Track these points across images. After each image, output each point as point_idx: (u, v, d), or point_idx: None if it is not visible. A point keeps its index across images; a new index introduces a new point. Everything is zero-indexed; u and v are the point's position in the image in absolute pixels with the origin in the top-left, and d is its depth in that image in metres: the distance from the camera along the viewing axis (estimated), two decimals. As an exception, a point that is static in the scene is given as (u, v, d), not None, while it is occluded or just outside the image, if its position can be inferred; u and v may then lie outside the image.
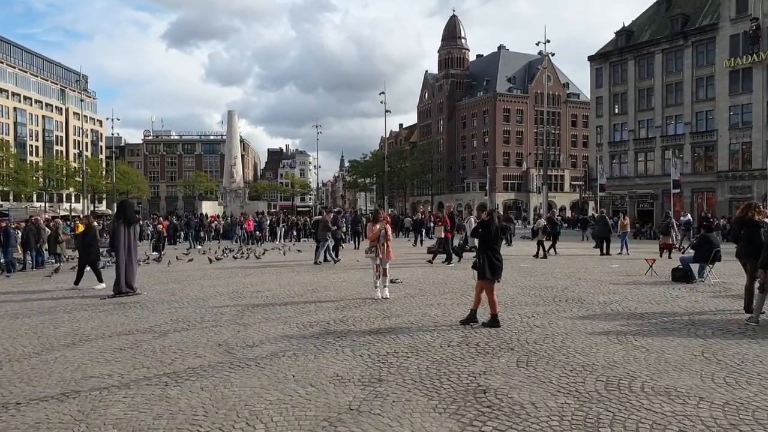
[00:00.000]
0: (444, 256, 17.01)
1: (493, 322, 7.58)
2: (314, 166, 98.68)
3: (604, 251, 20.44)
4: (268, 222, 34.87)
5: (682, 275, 12.35)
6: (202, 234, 32.11)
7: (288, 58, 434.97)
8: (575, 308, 9.09)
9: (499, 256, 7.70)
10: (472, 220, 16.97)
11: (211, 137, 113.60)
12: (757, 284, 8.12)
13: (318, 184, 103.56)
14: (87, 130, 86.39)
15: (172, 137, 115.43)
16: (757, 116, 45.24)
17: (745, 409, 4.50)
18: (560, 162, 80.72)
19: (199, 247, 27.78)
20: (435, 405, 4.62)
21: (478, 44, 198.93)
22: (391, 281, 10.62)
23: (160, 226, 25.85)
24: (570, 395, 4.86)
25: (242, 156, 70.66)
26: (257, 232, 32.03)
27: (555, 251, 20.56)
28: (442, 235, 17.24)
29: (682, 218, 29.27)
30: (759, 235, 8.42)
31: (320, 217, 20.96)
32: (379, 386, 5.10)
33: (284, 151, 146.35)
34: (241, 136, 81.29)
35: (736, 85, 46.53)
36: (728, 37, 46.85)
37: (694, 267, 12.36)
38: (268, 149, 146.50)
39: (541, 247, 19.36)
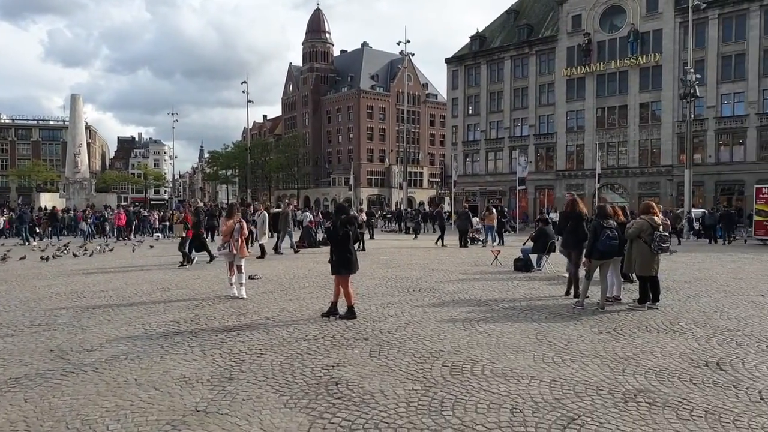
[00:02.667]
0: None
1: (350, 314, 7.70)
2: (170, 157, 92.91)
3: (463, 243, 21.88)
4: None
5: (522, 265, 13.47)
6: (38, 229, 28.89)
7: (142, 40, 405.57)
8: (427, 297, 9.53)
9: (351, 249, 7.83)
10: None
11: (51, 122, 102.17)
12: (582, 271, 9.09)
13: (174, 175, 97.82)
14: None
15: (3, 121, 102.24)
16: (588, 121, 50.66)
17: (568, 384, 5.01)
18: (419, 159, 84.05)
19: (35, 243, 24.97)
20: (286, 400, 4.58)
21: (342, 40, 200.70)
22: (250, 277, 10.34)
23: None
24: (417, 381, 5.07)
25: (88, 144, 64.59)
26: (105, 229, 29.61)
27: (443, 243, 22.01)
28: (184, 234, 14.68)
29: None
30: (582, 227, 9.43)
31: (280, 209, 21.43)
32: (229, 385, 4.94)
33: (136, 139, 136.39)
34: (86, 123, 74.26)
35: (572, 92, 51.71)
36: (565, 48, 51.88)
37: (533, 257, 13.56)
38: (119, 137, 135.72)
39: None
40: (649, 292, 8.65)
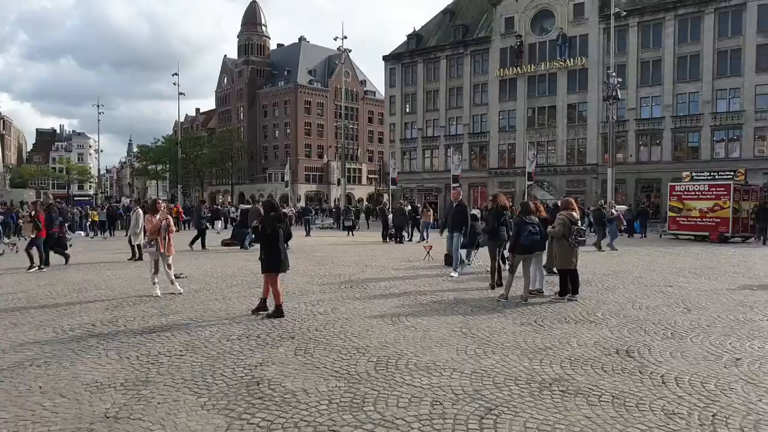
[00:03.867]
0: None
1: (277, 312, 7.60)
2: (95, 151, 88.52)
3: (398, 239, 22.18)
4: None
5: (452, 260, 13.71)
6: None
7: (64, 28, 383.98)
8: (358, 294, 9.55)
9: (280, 247, 7.72)
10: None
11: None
12: (506, 265, 9.38)
13: (100, 170, 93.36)
14: None
15: None
16: (520, 121, 52.22)
17: (488, 376, 5.14)
18: (358, 156, 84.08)
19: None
20: (204, 402, 4.46)
21: (279, 34, 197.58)
22: (176, 276, 10.01)
23: None
24: (341, 378, 5.07)
25: (1, 135, 60.60)
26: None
27: (386, 239, 22.66)
28: (33, 234, 13.31)
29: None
30: (506, 222, 9.76)
31: (249, 206, 21.72)
32: (144, 389, 4.76)
33: (58, 132, 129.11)
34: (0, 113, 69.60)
35: (505, 93, 53.13)
36: (499, 49, 53.21)
37: (462, 252, 13.82)
38: (38, 129, 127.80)
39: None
40: (569, 284, 9.01)
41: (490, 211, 10.24)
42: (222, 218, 33.08)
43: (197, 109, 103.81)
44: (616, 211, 20.94)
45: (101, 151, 75.44)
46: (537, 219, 9.10)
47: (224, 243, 19.72)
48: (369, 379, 5.04)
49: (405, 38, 61.58)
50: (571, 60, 48.83)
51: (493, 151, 54.14)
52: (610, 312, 8.05)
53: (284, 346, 6.14)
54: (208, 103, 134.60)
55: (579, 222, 8.95)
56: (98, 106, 62.52)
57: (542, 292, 9.48)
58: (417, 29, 61.06)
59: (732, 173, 30.85)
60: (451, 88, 56.92)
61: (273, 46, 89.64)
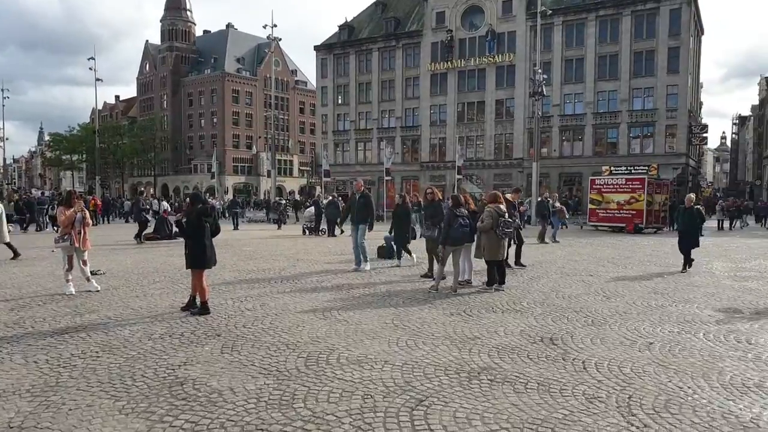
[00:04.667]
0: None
1: (203, 309, 7.33)
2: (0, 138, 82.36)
3: (333, 232, 21.98)
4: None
5: (386, 252, 13.77)
6: None
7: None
8: (288, 288, 9.37)
9: (206, 242, 7.45)
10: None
11: None
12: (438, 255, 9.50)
13: (5, 159, 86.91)
14: None
15: None
16: (450, 115, 53.13)
17: (419, 367, 5.17)
18: (289, 147, 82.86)
19: None
20: (122, 406, 4.21)
21: (205, 20, 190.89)
22: (92, 272, 9.46)
23: None
24: (270, 375, 4.94)
25: None
26: None
27: (341, 230, 21.95)
28: None
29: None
30: (442, 213, 9.88)
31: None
32: (53, 395, 4.44)
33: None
34: None
35: (436, 87, 53.86)
36: (430, 43, 53.83)
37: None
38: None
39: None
40: (496, 275, 9.24)
41: (431, 204, 10.43)
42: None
43: (117, 97, 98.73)
44: (559, 204, 21.68)
45: (6, 139, 70.18)
46: (466, 212, 9.25)
47: (146, 237, 18.91)
48: (299, 376, 4.94)
49: (337, 29, 61.13)
50: (500, 56, 50.11)
51: (424, 145, 54.82)
52: (534, 301, 8.31)
53: (210, 344, 5.92)
54: (129, 91, 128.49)
55: (506, 214, 9.18)
56: (2, 90, 58.03)
57: (471, 283, 9.67)
58: (349, 20, 60.74)
59: (646, 168, 32.72)
60: (383, 81, 57.07)
61: (199, 32, 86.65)
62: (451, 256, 9.14)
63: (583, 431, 3.82)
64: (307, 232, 22.74)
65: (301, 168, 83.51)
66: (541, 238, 18.65)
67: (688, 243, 11.71)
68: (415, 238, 13.98)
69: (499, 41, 50.36)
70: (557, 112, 48.08)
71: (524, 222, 19.12)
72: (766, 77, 74.87)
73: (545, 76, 35.99)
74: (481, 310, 7.66)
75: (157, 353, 5.57)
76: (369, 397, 4.43)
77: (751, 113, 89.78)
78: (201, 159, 75.86)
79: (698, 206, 12.04)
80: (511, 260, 11.93)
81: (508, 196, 13.28)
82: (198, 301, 7.44)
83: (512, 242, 12.21)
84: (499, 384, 4.72)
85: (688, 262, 11.80)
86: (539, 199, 24.32)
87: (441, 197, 10.82)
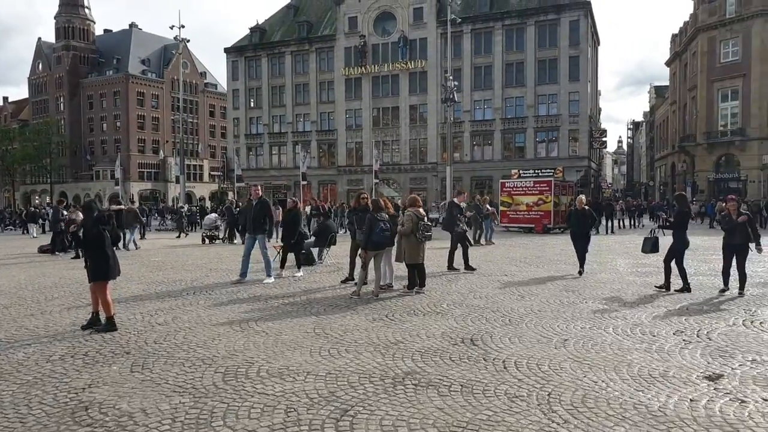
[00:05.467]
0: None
1: (109, 325, 6.85)
2: None
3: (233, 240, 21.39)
4: None
5: (304, 259, 13.52)
6: None
7: None
8: (202, 301, 8.96)
9: (107, 252, 6.96)
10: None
11: None
12: (360, 261, 9.44)
13: None
14: None
15: None
16: (366, 120, 53.48)
17: (343, 376, 5.07)
18: (199, 152, 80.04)
19: None
20: (16, 438, 3.81)
21: (105, 18, 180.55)
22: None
23: None
24: (186, 393, 4.67)
25: None
26: None
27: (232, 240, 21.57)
28: None
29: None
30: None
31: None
32: (-67, 430, 3.95)
33: None
34: None
35: (351, 91, 54.02)
36: (343, 48, 53.94)
37: (315, 250, 13.74)
38: None
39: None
40: (417, 278, 9.32)
41: (358, 210, 10.18)
42: (39, 222, 29.49)
43: (5, 98, 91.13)
44: (491, 206, 22.20)
45: None
46: (387, 216, 9.27)
47: (41, 250, 17.53)
48: (217, 392, 4.70)
49: (248, 31, 59.84)
50: (412, 62, 51.06)
51: (341, 149, 54.79)
52: (454, 302, 8.45)
53: (118, 363, 5.52)
54: (20, 92, 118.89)
55: (425, 218, 9.28)
56: None
57: (392, 287, 9.69)
58: (260, 23, 59.68)
59: (552, 171, 34.45)
60: (297, 84, 56.50)
61: (99, 31, 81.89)
62: (372, 260, 9.11)
63: (506, 431, 3.88)
64: (207, 240, 21.37)
65: (212, 173, 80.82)
66: (475, 241, 19.04)
67: (582, 244, 11.54)
68: (334, 243, 13.84)
69: (411, 48, 51.31)
70: (468, 118, 49.66)
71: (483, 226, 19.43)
72: (655, 86, 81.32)
73: (456, 83, 37.05)
74: (403, 314, 7.68)
75: (57, 376, 5.11)
76: (292, 410, 4.28)
77: (643, 119, 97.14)
78: (103, 165, 71.57)
79: (588, 207, 11.89)
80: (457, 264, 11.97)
81: (455, 199, 13.44)
82: (102, 316, 6.94)
83: (458, 245, 12.27)
84: (424, 388, 4.71)
85: (582, 264, 11.54)
86: (472, 202, 24.85)
87: (367, 202, 10.55)
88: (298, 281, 10.96)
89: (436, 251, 16.53)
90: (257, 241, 11.00)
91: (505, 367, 5.26)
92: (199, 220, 32.41)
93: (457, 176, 44.48)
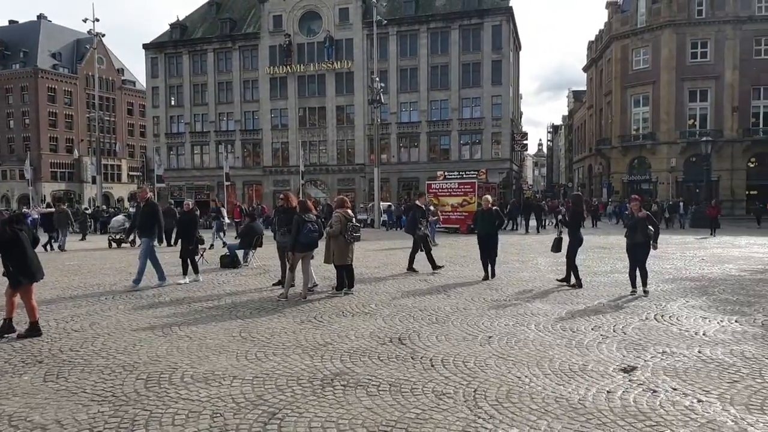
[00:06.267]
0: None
1: (33, 331, 6.53)
2: None
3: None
4: None
5: (229, 261, 13.25)
6: None
7: None
8: (122, 305, 8.59)
9: (29, 254, 6.60)
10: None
11: None
12: (288, 263, 9.34)
13: None
14: None
15: None
16: (292, 120, 52.86)
17: (270, 379, 5.02)
18: (117, 151, 76.28)
19: None
20: None
21: (8, 8, 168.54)
22: None
23: None
24: (105, 402, 4.48)
25: None
26: None
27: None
28: None
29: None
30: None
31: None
32: None
33: None
34: None
35: (276, 91, 53.23)
36: (268, 47, 53.08)
37: (240, 253, 13.47)
38: None
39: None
40: (345, 279, 9.35)
41: (286, 210, 9.88)
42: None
43: None
44: (434, 207, 22.38)
45: None
46: (314, 217, 9.23)
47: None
48: (139, 399, 4.55)
49: (168, 27, 57.70)
50: (338, 63, 50.99)
51: (266, 149, 53.86)
52: (382, 302, 8.55)
53: (30, 373, 5.21)
54: None
55: (354, 219, 9.33)
56: None
57: (317, 285, 9.68)
58: (181, 19, 57.68)
59: (475, 172, 35.46)
60: (220, 83, 55.04)
61: (3, 21, 76.40)
62: (300, 262, 9.05)
63: (434, 428, 3.99)
64: (114, 244, 20.25)
65: (131, 173, 77.25)
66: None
67: (490, 247, 10.94)
68: (260, 245, 13.62)
69: (337, 48, 51.23)
70: (395, 120, 50.17)
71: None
72: (573, 90, 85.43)
73: (382, 85, 37.40)
74: (332, 315, 7.69)
75: (-41, 392, 4.76)
76: (218, 415, 4.21)
77: (562, 122, 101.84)
78: (11, 164, 66.79)
79: (496, 207, 11.51)
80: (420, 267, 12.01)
81: (417, 202, 13.46)
82: (29, 321, 6.65)
83: (420, 248, 12.25)
84: (353, 389, 4.75)
85: (492, 268, 11.05)
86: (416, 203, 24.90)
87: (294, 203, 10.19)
88: (223, 284, 10.71)
89: (386, 252, 16.70)
90: (145, 244, 10.46)
91: (432, 365, 5.39)
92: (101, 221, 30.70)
93: (384, 178, 44.88)
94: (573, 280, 10.09)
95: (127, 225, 20.59)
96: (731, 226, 29.39)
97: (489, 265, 11.04)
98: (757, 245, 18.65)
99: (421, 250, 12.38)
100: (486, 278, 10.87)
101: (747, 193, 42.46)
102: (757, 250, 16.90)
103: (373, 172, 38.66)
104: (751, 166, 43.09)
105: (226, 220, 21.69)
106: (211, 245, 18.07)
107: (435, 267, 12.20)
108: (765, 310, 7.79)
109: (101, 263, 14.73)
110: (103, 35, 47.65)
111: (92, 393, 4.69)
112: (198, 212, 12.89)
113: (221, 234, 19.05)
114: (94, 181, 40.98)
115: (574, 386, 4.80)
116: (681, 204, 32.96)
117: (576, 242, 10.11)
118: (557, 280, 10.41)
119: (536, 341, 6.26)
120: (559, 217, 15.82)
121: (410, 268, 12.30)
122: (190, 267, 11.14)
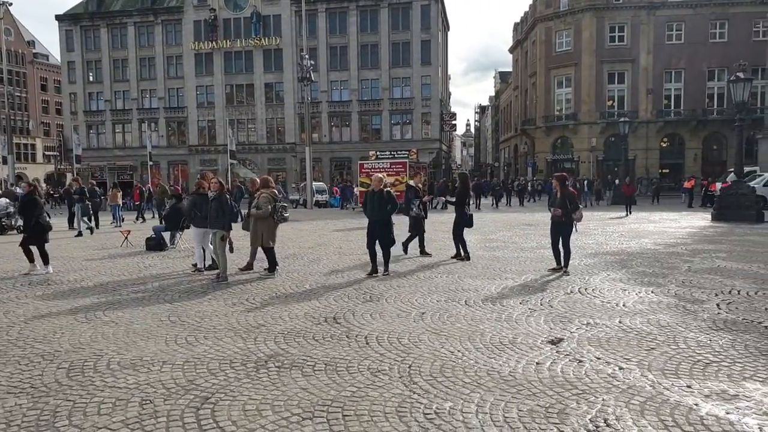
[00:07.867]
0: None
1: None
2: None
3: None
4: None
5: (155, 244, 12.77)
6: None
7: None
8: (40, 291, 8.11)
9: None
10: None
11: None
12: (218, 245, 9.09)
13: None
14: None
15: None
16: (218, 97, 51.20)
17: (201, 363, 4.90)
18: (30, 129, 71.25)
19: None
20: None
21: None
22: None
23: None
24: (23, 394, 4.24)
25: None
26: None
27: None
28: None
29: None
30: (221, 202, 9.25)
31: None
32: None
33: None
34: None
35: (201, 67, 51.30)
36: (192, 21, 50.95)
37: (166, 235, 13.00)
38: None
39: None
40: (275, 260, 9.23)
41: (194, 194, 9.59)
42: None
43: None
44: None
45: None
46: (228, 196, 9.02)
47: None
48: (61, 389, 4.32)
49: (83, -3, 54.18)
50: (266, 39, 49.69)
51: (192, 127, 51.99)
52: (317, 282, 8.52)
53: (-66, 369, 4.83)
54: None
55: (282, 199, 9.19)
56: None
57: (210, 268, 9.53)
58: (97, -12, 54.22)
59: (407, 152, 35.76)
60: (142, 58, 52.43)
61: None
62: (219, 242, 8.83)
63: (371, 405, 4.02)
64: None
65: (46, 153, 72.51)
66: None
67: (384, 234, 9.42)
68: (187, 227, 13.17)
69: (264, 24, 49.86)
70: (325, 99, 49.63)
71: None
72: (500, 71, 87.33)
73: (312, 62, 36.77)
74: (265, 297, 7.58)
75: None
76: (148, 402, 4.07)
77: (489, 103, 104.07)
78: None
79: (388, 189, 9.86)
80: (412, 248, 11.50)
81: (411, 182, 12.91)
82: None
83: (414, 231, 11.37)
84: (288, 370, 4.72)
85: (386, 259, 9.42)
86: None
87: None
88: (149, 267, 10.31)
89: (320, 233, 16.50)
90: None
91: (367, 343, 5.43)
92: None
93: (316, 157, 44.44)
94: (463, 253, 10.49)
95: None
96: (643, 203, 31.23)
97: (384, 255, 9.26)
98: (669, 220, 19.93)
99: (411, 232, 11.62)
100: (373, 273, 9.05)
101: (660, 171, 45.19)
102: (669, 225, 18.07)
103: (304, 151, 38.16)
104: (664, 145, 45.82)
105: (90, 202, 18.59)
106: (79, 233, 16.61)
107: (423, 252, 11.43)
108: (677, 281, 8.34)
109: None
110: (11, 4, 44.00)
111: (8, 385, 4.42)
112: (75, 193, 11.99)
113: (86, 219, 17.41)
114: (5, 162, 38.19)
115: (505, 359, 4.98)
116: (585, 182, 34.07)
117: (462, 219, 10.43)
118: (452, 257, 10.77)
119: (467, 316, 6.43)
120: (447, 197, 15.50)
121: (423, 252, 11.38)
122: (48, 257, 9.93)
